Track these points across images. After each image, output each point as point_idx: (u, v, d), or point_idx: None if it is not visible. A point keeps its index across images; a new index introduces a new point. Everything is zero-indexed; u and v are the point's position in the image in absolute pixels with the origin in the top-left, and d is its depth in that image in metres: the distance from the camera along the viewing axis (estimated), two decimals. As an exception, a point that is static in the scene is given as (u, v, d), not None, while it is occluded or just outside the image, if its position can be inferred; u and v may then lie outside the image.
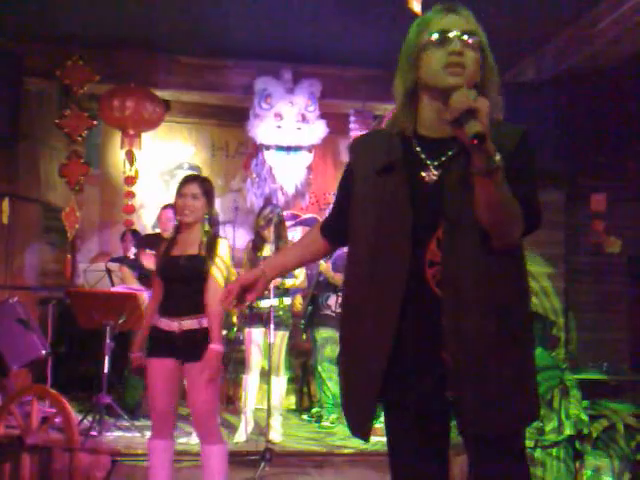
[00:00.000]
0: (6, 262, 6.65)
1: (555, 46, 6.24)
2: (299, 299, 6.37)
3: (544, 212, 1.93)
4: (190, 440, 4.94)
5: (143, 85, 6.81)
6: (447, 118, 1.73)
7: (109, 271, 6.26)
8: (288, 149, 6.97)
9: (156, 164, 8.07)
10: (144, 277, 5.76)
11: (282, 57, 6.79)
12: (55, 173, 6.88)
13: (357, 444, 5.34)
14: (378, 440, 3.04)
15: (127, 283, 5.82)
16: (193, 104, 7.83)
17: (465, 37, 1.86)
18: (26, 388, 4.92)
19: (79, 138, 6.76)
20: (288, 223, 6.68)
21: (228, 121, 8.11)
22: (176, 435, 5.09)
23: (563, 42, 6.11)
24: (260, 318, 5.38)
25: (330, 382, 6.00)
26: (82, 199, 7.08)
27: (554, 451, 3.94)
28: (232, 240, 6.97)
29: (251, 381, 5.44)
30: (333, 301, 6.09)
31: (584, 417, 3.94)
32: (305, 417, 6.41)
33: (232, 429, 5.50)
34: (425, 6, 4.09)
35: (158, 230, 6.44)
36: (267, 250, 5.43)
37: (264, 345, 5.44)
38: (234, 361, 6.41)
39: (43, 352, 5.26)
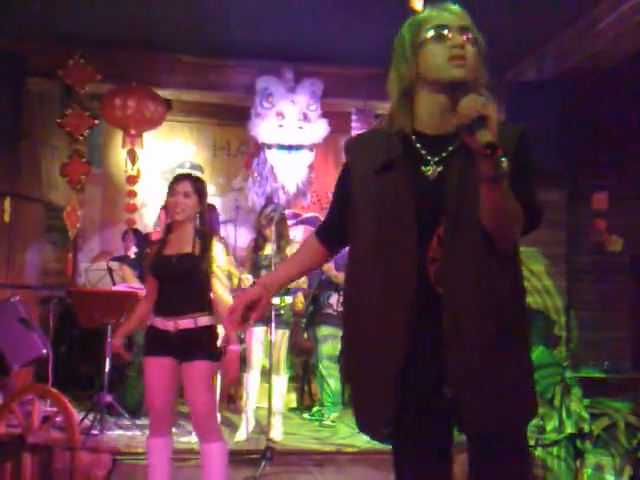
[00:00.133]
0: (7, 261, 6.66)
1: (556, 46, 6.24)
2: (300, 298, 6.37)
3: (545, 211, 1.94)
4: (192, 439, 4.94)
5: (144, 84, 6.81)
6: (455, 123, 1.74)
7: (110, 270, 6.26)
8: (290, 148, 6.97)
9: (158, 163, 8.07)
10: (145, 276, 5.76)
11: (283, 56, 6.79)
12: (57, 172, 6.88)
13: (358, 443, 5.35)
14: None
15: (128, 282, 5.82)
16: (194, 103, 7.83)
17: (463, 32, 1.88)
18: (27, 387, 4.93)
19: (81, 137, 6.77)
20: (290, 222, 6.69)
21: (229, 120, 8.11)
22: (178, 434, 5.14)
23: (564, 42, 6.11)
24: (261, 316, 5.38)
25: (331, 379, 6.01)
26: (84, 198, 7.09)
27: (555, 450, 3.94)
28: (233, 239, 6.99)
29: (252, 380, 5.44)
30: (335, 300, 6.09)
31: (585, 415, 3.94)
32: (306, 416, 6.41)
33: (233, 428, 5.50)
34: (426, 5, 4.10)
35: (159, 229, 6.44)
36: (269, 249, 5.43)
37: (265, 343, 5.44)
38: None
39: (44, 351, 5.26)
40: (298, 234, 7.91)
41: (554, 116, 5.90)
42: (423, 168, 1.92)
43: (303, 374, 7.05)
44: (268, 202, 6.55)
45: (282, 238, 5.47)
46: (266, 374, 5.36)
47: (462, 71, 1.85)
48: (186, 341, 3.52)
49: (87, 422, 5.23)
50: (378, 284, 1.90)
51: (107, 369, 5.30)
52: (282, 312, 5.37)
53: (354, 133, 7.00)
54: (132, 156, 7.00)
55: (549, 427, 3.99)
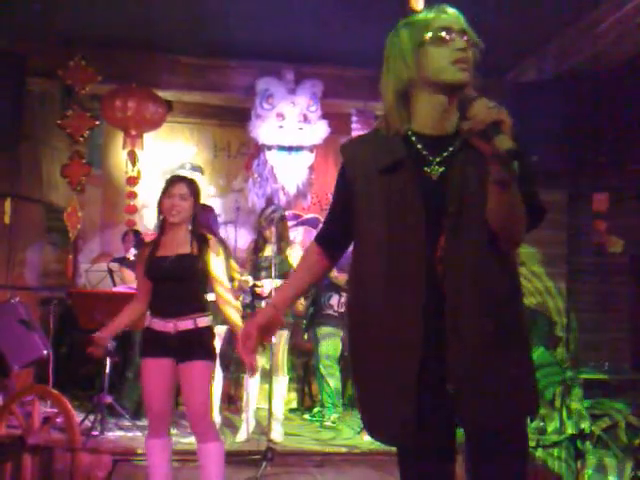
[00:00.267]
0: (8, 262, 6.66)
1: (556, 46, 6.24)
2: (301, 299, 6.36)
3: (547, 211, 1.96)
4: (193, 440, 4.92)
5: (145, 85, 6.81)
6: (466, 127, 1.75)
7: (110, 271, 6.27)
8: (290, 149, 6.96)
9: (158, 164, 8.07)
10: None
11: (284, 57, 6.79)
12: (57, 173, 6.88)
13: (359, 444, 5.35)
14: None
15: (128, 283, 5.83)
16: (195, 104, 7.83)
17: (463, 35, 1.90)
18: (27, 388, 4.93)
19: (81, 138, 6.76)
20: (290, 223, 6.69)
21: (230, 121, 8.11)
22: (179, 434, 5.14)
23: (565, 42, 6.11)
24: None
25: (331, 379, 6.01)
26: (84, 199, 7.09)
27: (555, 451, 3.93)
28: (234, 240, 6.98)
29: (252, 381, 5.43)
30: (335, 301, 6.10)
31: (586, 416, 3.94)
32: (307, 417, 6.42)
33: (234, 429, 5.50)
34: (426, 4, 4.10)
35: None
36: (269, 250, 5.43)
37: (265, 345, 5.44)
38: (235, 361, 6.42)
39: (44, 352, 5.26)
40: (298, 235, 7.91)
41: (554, 116, 5.90)
42: (426, 169, 1.92)
43: (304, 375, 7.05)
44: (268, 203, 6.56)
45: (282, 239, 5.47)
46: (266, 375, 5.36)
47: (466, 74, 1.88)
48: (185, 341, 3.53)
49: (87, 423, 5.23)
50: (386, 284, 1.91)
51: (107, 370, 5.30)
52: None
53: (354, 134, 7.00)
54: (132, 157, 7.00)
55: (550, 428, 3.99)
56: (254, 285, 5.44)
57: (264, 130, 6.90)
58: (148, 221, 8.00)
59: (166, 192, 3.65)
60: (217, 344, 5.30)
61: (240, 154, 8.38)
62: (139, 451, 4.65)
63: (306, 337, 6.47)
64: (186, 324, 3.54)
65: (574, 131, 6.03)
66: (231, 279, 5.36)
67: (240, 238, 7.22)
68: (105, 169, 8.16)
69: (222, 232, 6.83)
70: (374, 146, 2.00)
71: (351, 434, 5.72)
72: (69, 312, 6.22)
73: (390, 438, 1.98)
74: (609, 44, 5.60)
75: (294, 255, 5.56)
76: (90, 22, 6.05)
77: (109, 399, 5.29)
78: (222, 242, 5.37)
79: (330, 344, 6.04)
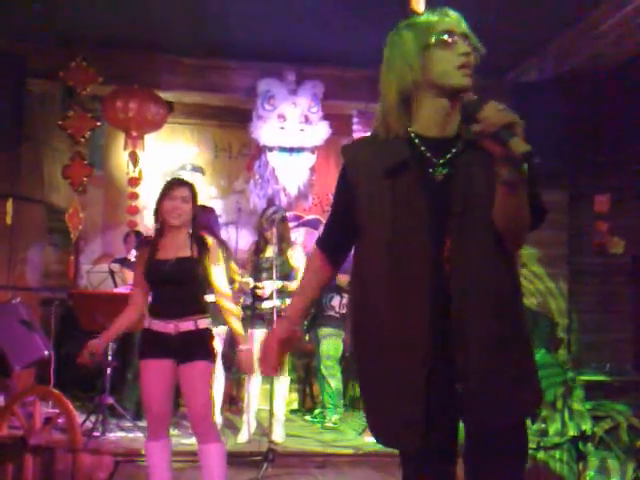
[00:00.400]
0: (9, 263, 6.66)
1: (557, 47, 6.25)
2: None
3: (548, 212, 1.97)
4: (193, 440, 4.92)
5: (146, 86, 6.82)
6: (477, 130, 1.76)
7: (112, 272, 6.27)
8: (291, 150, 6.97)
9: (159, 165, 8.07)
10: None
11: (285, 58, 6.80)
12: (58, 174, 6.88)
13: (360, 445, 5.35)
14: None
15: (129, 284, 5.82)
16: (196, 105, 7.84)
17: (466, 39, 1.92)
18: (29, 389, 4.93)
19: (82, 139, 6.77)
20: (291, 224, 6.68)
21: (231, 122, 8.11)
22: (181, 435, 5.14)
23: (565, 43, 6.11)
24: (262, 319, 5.38)
25: (332, 380, 6.01)
26: (85, 200, 7.09)
27: (557, 453, 3.93)
28: (235, 241, 6.98)
29: (254, 382, 5.43)
30: (337, 302, 6.09)
31: (587, 418, 3.93)
32: (308, 418, 6.41)
33: (235, 430, 5.50)
34: (427, 6, 4.09)
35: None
36: (270, 251, 5.42)
37: (266, 346, 5.43)
38: (237, 362, 6.41)
39: (46, 353, 5.26)
40: (299, 236, 7.91)
41: (555, 117, 5.90)
42: (430, 170, 1.93)
43: (305, 376, 7.04)
44: (269, 204, 6.55)
45: (283, 240, 5.46)
46: (267, 376, 5.35)
47: (469, 79, 1.89)
48: (186, 342, 3.53)
49: (89, 424, 5.23)
50: (390, 285, 1.91)
51: (109, 371, 5.31)
52: (282, 314, 5.32)
53: (355, 135, 7.00)
54: (134, 158, 7.00)
55: (551, 430, 3.98)
56: (255, 287, 5.44)
57: (265, 131, 6.90)
58: (149, 222, 8.00)
59: (167, 194, 3.64)
60: (219, 345, 5.35)
61: (241, 155, 8.39)
62: (140, 452, 4.65)
63: (307, 338, 6.47)
64: (187, 325, 3.55)
65: (574, 131, 6.04)
66: (231, 281, 5.36)
67: (241, 239, 7.21)
68: (106, 170, 8.16)
69: (223, 233, 6.84)
70: (376, 148, 2.00)
71: (352, 435, 5.72)
72: (70, 313, 6.21)
73: (397, 441, 1.97)
74: (609, 44, 5.60)
75: (295, 256, 5.55)
76: (90, 23, 6.05)
77: (110, 400, 5.30)
78: (223, 244, 5.37)
79: (331, 345, 6.04)
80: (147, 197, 7.68)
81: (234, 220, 7.44)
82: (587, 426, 3.90)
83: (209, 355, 3.61)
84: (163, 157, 8.19)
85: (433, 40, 1.89)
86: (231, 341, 5.53)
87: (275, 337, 2.11)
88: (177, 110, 7.62)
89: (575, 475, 3.91)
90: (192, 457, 4.48)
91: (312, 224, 8.07)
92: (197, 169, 8.34)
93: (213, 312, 3.81)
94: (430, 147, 1.94)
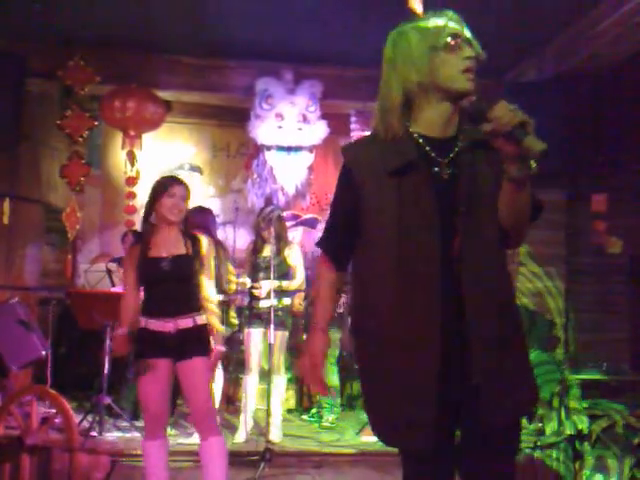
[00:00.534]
0: (7, 262, 6.66)
1: (556, 47, 6.24)
2: (299, 299, 6.36)
3: (545, 212, 2.01)
4: (192, 440, 4.93)
5: (144, 86, 6.81)
6: (489, 129, 1.78)
7: (109, 271, 6.27)
8: (289, 149, 6.96)
9: (157, 165, 8.05)
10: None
11: (283, 57, 6.79)
12: (56, 174, 6.88)
13: (357, 444, 5.35)
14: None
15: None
16: (194, 104, 7.83)
17: (469, 43, 1.95)
18: (26, 388, 4.92)
19: (80, 139, 6.77)
20: (288, 223, 6.68)
21: (229, 121, 8.10)
22: (179, 435, 5.14)
23: (564, 43, 6.11)
24: (260, 318, 5.38)
25: (332, 377, 5.99)
26: (83, 200, 7.09)
27: (554, 452, 3.93)
28: (232, 241, 6.98)
29: (251, 382, 5.43)
30: (335, 301, 6.08)
31: (584, 417, 3.94)
32: (305, 417, 6.41)
33: (232, 429, 5.50)
34: (425, 6, 4.10)
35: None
36: (267, 251, 5.41)
37: (264, 345, 5.43)
38: (234, 362, 6.41)
39: (43, 352, 5.25)
40: (297, 235, 7.90)
41: (554, 116, 5.88)
42: (436, 169, 1.95)
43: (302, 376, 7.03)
44: (267, 203, 6.55)
45: (281, 239, 5.45)
46: (265, 376, 5.35)
47: (472, 84, 1.92)
48: (184, 340, 3.54)
49: (86, 424, 5.23)
50: (397, 284, 1.91)
51: (106, 370, 5.30)
52: (280, 313, 5.31)
53: (353, 135, 7.00)
54: (131, 157, 7.00)
55: (548, 429, 3.98)
56: (252, 287, 5.44)
57: (263, 130, 6.90)
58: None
59: (167, 192, 3.65)
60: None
61: (239, 154, 8.38)
62: (137, 452, 4.64)
63: (305, 337, 6.46)
64: (186, 322, 3.55)
65: (573, 131, 6.03)
66: (227, 282, 5.37)
67: (239, 238, 7.21)
68: (104, 169, 8.15)
69: (221, 233, 6.84)
70: (379, 148, 2.00)
71: (350, 434, 5.72)
72: (68, 312, 6.21)
73: (402, 440, 1.96)
74: (608, 44, 5.60)
75: (293, 255, 5.55)
76: (89, 22, 6.05)
77: (108, 400, 5.29)
78: (220, 244, 5.38)
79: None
80: (145, 196, 7.67)
81: (232, 219, 7.45)
82: (584, 425, 3.91)
83: (207, 351, 3.62)
84: (161, 156, 8.18)
85: (441, 42, 1.91)
86: (229, 340, 5.53)
87: (319, 351, 2.10)
88: (175, 109, 7.62)
89: (572, 474, 3.92)
90: (190, 457, 4.50)
91: (310, 223, 8.06)
92: (195, 168, 8.34)
93: None
94: (434, 147, 1.96)
